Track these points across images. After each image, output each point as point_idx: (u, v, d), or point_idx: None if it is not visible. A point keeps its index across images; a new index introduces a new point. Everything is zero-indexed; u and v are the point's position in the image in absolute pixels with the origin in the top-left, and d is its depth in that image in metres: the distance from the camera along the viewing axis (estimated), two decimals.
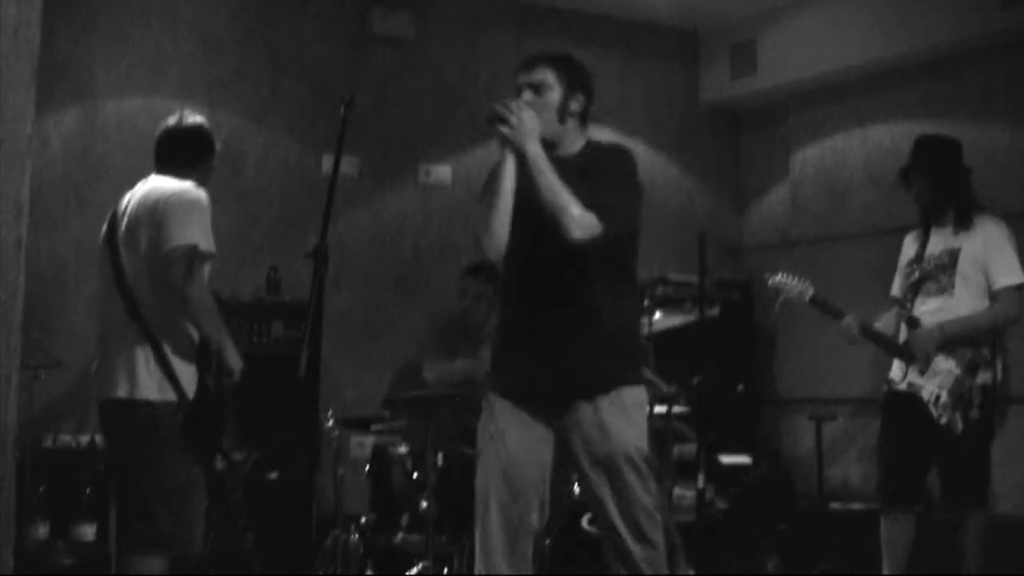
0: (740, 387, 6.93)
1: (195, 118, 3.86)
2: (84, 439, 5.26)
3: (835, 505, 6.24)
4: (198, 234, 3.52)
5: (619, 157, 3.27)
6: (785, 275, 4.52)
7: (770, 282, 4.52)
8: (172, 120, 3.84)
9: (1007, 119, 6.10)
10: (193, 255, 3.50)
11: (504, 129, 3.09)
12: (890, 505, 4.37)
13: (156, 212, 3.56)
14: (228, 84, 6.11)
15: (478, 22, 6.84)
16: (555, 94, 3.25)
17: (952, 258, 4.35)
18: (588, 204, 3.03)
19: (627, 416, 3.14)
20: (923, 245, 4.46)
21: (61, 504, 5.07)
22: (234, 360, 3.59)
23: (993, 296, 4.29)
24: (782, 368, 7.24)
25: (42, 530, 4.99)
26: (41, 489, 5.00)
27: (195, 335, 3.57)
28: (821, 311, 4.54)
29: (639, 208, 3.24)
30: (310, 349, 3.04)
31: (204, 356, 3.53)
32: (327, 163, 6.13)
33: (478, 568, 3.12)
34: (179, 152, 3.78)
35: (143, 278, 3.59)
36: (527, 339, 3.17)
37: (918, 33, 6.25)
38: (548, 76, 3.25)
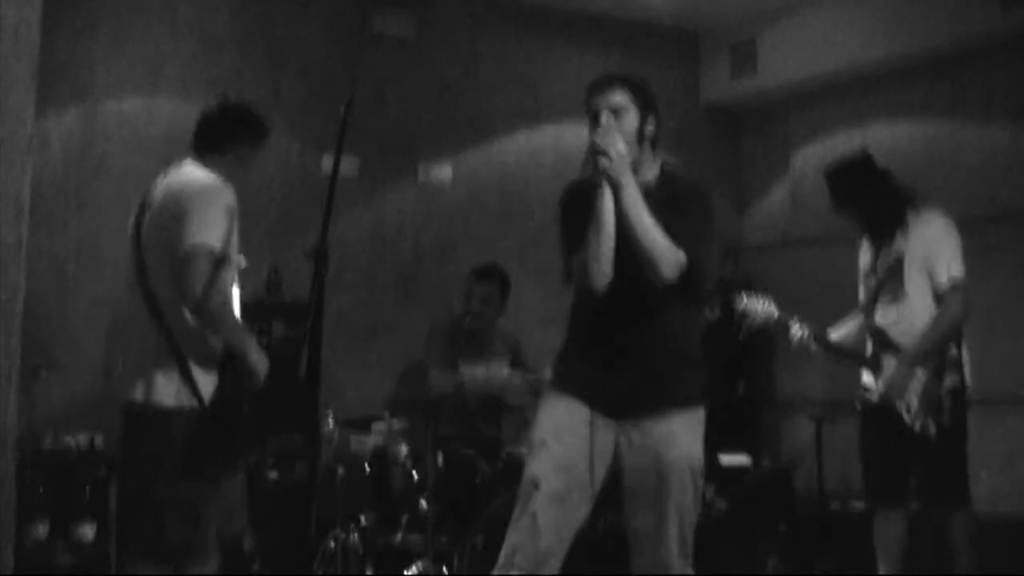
0: (740, 387, 6.93)
1: (236, 98, 3.66)
2: (84, 439, 5.26)
3: (835, 505, 6.24)
4: (210, 233, 3.30)
5: (698, 191, 3.28)
6: (749, 298, 4.50)
7: (737, 308, 4.50)
8: (213, 100, 3.64)
9: (1007, 119, 6.10)
10: (204, 256, 3.29)
11: (604, 162, 3.05)
12: (879, 506, 4.38)
13: (178, 207, 3.37)
14: (228, 84, 6.09)
15: (478, 22, 6.84)
16: (632, 117, 3.21)
17: (898, 264, 4.34)
18: (671, 236, 3.07)
19: (694, 433, 3.22)
20: (876, 254, 4.47)
21: (61, 504, 5.07)
22: (257, 363, 3.40)
23: (938, 298, 4.28)
24: (782, 369, 7.24)
25: (42, 530, 4.99)
26: (41, 489, 5.00)
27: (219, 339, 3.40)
28: (785, 332, 4.53)
29: (715, 243, 3.29)
30: (311, 349, 3.03)
31: (227, 361, 3.36)
32: (327, 163, 6.13)
33: (511, 552, 3.10)
34: (208, 133, 3.57)
35: (164, 277, 3.39)
36: (604, 353, 3.20)
37: (918, 33, 6.25)
38: (625, 98, 3.22)
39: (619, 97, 3.21)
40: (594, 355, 3.23)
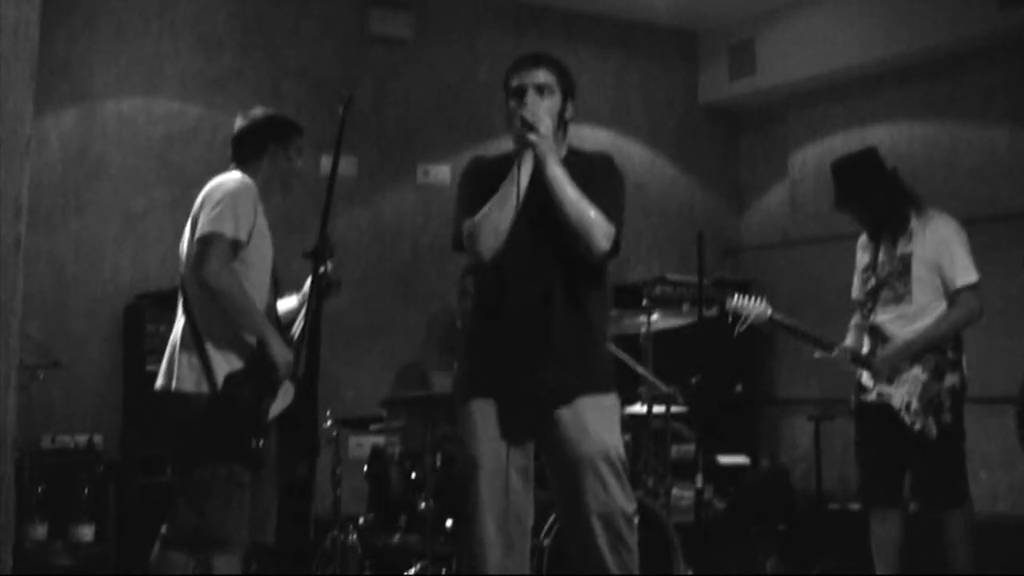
0: (738, 387, 6.93)
1: (254, 112, 3.86)
2: (83, 439, 5.26)
3: (833, 505, 6.24)
4: (225, 223, 3.42)
5: (609, 162, 3.28)
6: (742, 298, 4.50)
7: (728, 306, 4.50)
8: (240, 119, 3.86)
9: (1007, 119, 6.10)
10: (217, 242, 3.40)
11: (532, 136, 3.05)
12: (875, 506, 4.38)
13: (197, 206, 3.54)
14: (227, 84, 6.10)
15: (477, 22, 6.84)
16: (556, 99, 3.20)
17: (905, 264, 4.33)
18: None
19: (607, 418, 3.16)
20: (875, 252, 4.46)
21: (60, 504, 5.06)
22: (279, 355, 3.44)
23: (951, 298, 4.28)
24: (781, 368, 7.24)
25: (41, 530, 4.98)
26: (40, 489, 5.00)
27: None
28: (780, 330, 4.54)
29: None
30: (309, 349, 3.04)
31: (255, 351, 3.43)
32: (326, 163, 6.12)
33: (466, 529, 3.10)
34: (236, 149, 3.78)
35: (190, 266, 3.54)
36: (512, 342, 3.13)
37: (918, 33, 6.25)
38: (551, 79, 3.20)
39: (546, 77, 3.19)
40: (504, 343, 3.13)
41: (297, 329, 3.65)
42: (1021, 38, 5.94)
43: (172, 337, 3.56)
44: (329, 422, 4.72)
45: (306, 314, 3.53)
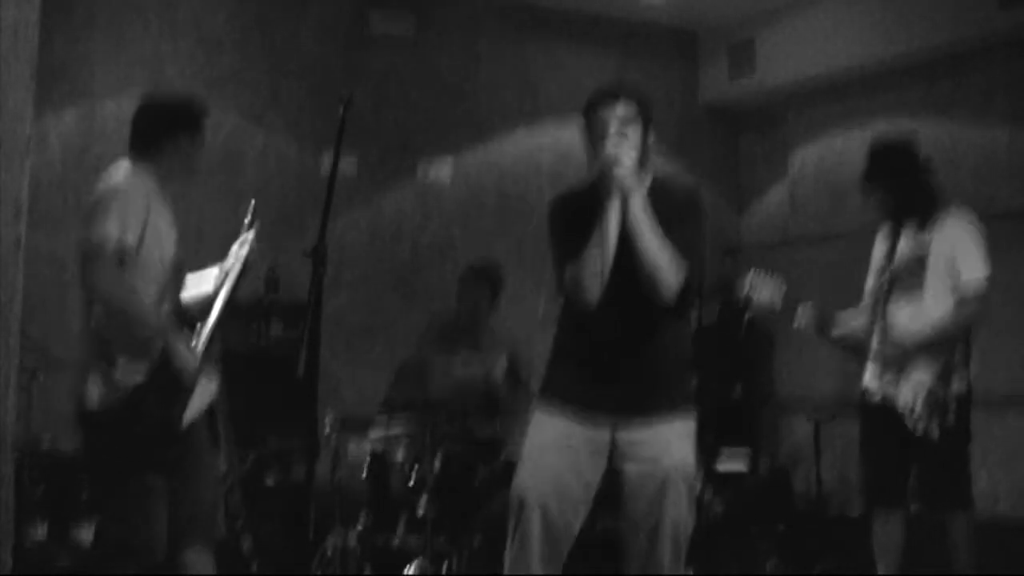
0: (738, 388, 6.93)
1: (153, 94, 3.58)
2: (74, 442, 5.25)
3: (833, 506, 6.24)
4: (109, 227, 3.21)
5: (692, 198, 3.28)
6: (756, 278, 4.45)
7: (743, 280, 4.46)
8: (142, 97, 3.55)
9: (1007, 119, 6.10)
10: (98, 253, 3.22)
11: (620, 172, 3.04)
12: (877, 506, 4.37)
13: (87, 209, 3.34)
14: (227, 84, 6.10)
15: (478, 22, 6.84)
16: (639, 130, 3.16)
17: (921, 260, 4.32)
18: (671, 248, 3.09)
19: (687, 440, 3.22)
20: (892, 246, 4.44)
21: (59, 505, 5.05)
22: (183, 360, 3.30)
23: (959, 295, 4.27)
24: (781, 368, 7.24)
25: (40, 531, 4.97)
26: (39, 490, 4.99)
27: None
28: (792, 308, 4.49)
29: (706, 251, 3.28)
30: (309, 349, 3.02)
31: (160, 358, 3.30)
32: (326, 163, 6.12)
33: (513, 570, 3.12)
34: (140, 132, 3.52)
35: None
36: (599, 368, 3.19)
37: (918, 33, 6.25)
38: (633, 111, 3.15)
39: (628, 109, 3.14)
40: (588, 370, 3.21)
41: (214, 313, 3.46)
42: (1021, 38, 5.94)
43: (80, 347, 3.41)
44: (329, 423, 4.71)
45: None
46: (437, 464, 4.51)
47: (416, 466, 4.60)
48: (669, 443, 3.16)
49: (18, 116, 2.07)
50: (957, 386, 4.21)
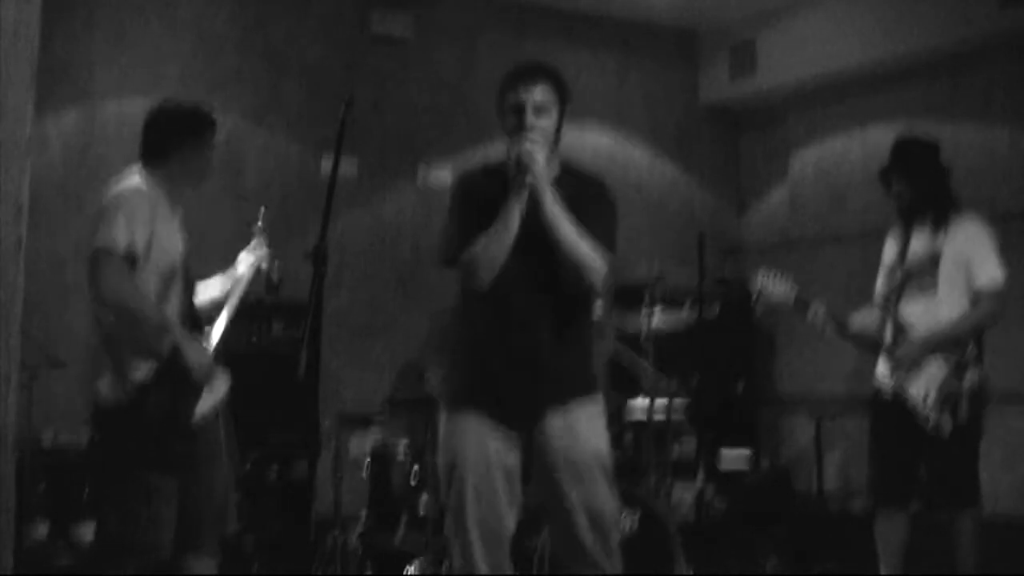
0: (739, 387, 6.94)
1: (165, 102, 3.61)
2: (83, 439, 5.26)
3: (834, 505, 6.24)
4: (117, 234, 3.26)
5: (601, 189, 3.26)
6: (769, 274, 4.47)
7: (753, 280, 4.47)
8: (155, 104, 3.61)
9: (1007, 119, 6.11)
10: (107, 259, 3.25)
11: (530, 177, 3.03)
12: (883, 504, 4.37)
13: (95, 212, 3.38)
14: (228, 84, 6.11)
15: (478, 22, 6.84)
16: (554, 115, 3.15)
17: (934, 259, 4.33)
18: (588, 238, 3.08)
19: (595, 423, 3.19)
20: (904, 245, 4.45)
21: (60, 504, 5.07)
22: (194, 360, 3.36)
23: (974, 297, 4.28)
24: (782, 367, 7.24)
25: (42, 530, 4.99)
26: (41, 489, 5.00)
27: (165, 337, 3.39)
28: (803, 311, 4.50)
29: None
30: (310, 349, 3.03)
31: (170, 359, 3.34)
32: (327, 163, 6.13)
33: None
34: (150, 140, 3.53)
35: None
36: (502, 354, 3.15)
37: (918, 33, 6.25)
38: (550, 97, 3.13)
39: (543, 95, 3.11)
40: (494, 355, 3.16)
41: (225, 314, 3.60)
42: (1021, 38, 5.94)
43: (91, 344, 3.48)
44: (330, 422, 4.72)
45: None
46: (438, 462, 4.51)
47: (417, 465, 4.61)
48: (574, 430, 3.11)
49: (18, 116, 2.07)
50: (971, 382, 4.22)
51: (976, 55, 6.20)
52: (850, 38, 6.59)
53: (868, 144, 6.81)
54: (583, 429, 3.14)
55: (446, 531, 3.17)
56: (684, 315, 5.02)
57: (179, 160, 3.52)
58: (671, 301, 4.99)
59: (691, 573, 4.41)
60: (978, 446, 4.29)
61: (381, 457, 4.84)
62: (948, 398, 4.21)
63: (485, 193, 3.15)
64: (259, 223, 3.88)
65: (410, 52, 6.60)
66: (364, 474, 4.83)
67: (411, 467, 4.63)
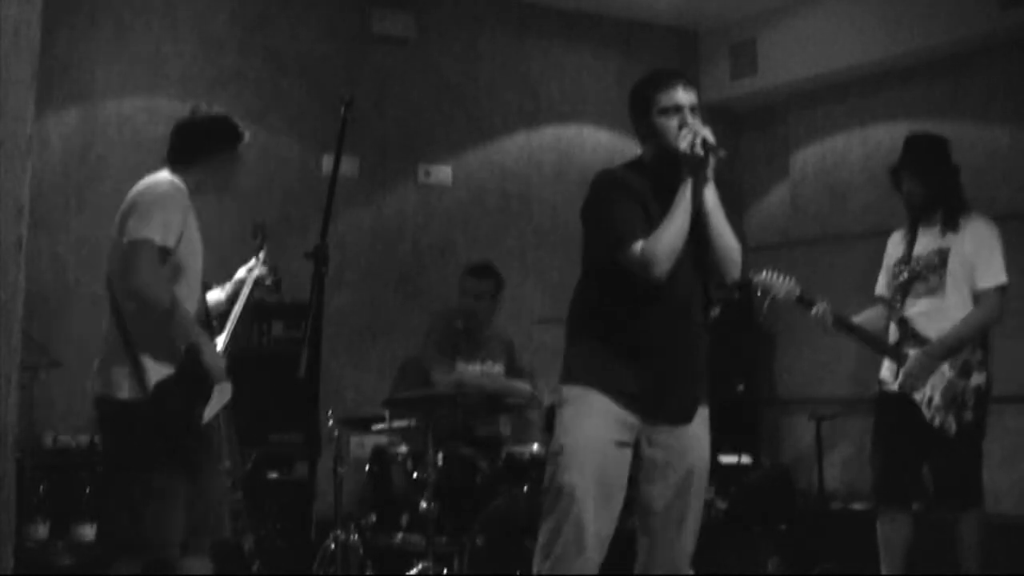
0: (740, 387, 6.93)
1: (200, 110, 3.70)
2: (84, 439, 5.26)
3: (835, 505, 6.24)
4: (153, 229, 3.33)
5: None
6: (770, 273, 4.46)
7: (755, 280, 4.47)
8: (187, 112, 3.71)
9: (1007, 119, 6.11)
10: (146, 249, 3.32)
11: (713, 160, 3.08)
12: (886, 505, 4.37)
13: (126, 208, 3.44)
14: (228, 84, 6.11)
15: (478, 22, 6.84)
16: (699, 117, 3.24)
17: (942, 259, 4.33)
18: None
19: (707, 432, 3.25)
20: (911, 244, 4.44)
21: (61, 504, 5.06)
22: (211, 361, 3.40)
23: (976, 298, 4.28)
24: (782, 368, 7.24)
25: (42, 530, 4.98)
26: (41, 489, 5.00)
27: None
28: (806, 309, 4.49)
29: None
30: (310, 349, 3.03)
31: (187, 358, 3.37)
32: (327, 163, 6.13)
33: (557, 568, 3.08)
34: (179, 145, 3.62)
35: (116, 272, 3.45)
36: (650, 352, 3.15)
37: (918, 33, 6.25)
38: (696, 100, 3.26)
39: (694, 98, 3.26)
40: (637, 353, 3.15)
41: (230, 324, 3.68)
42: (1021, 38, 5.94)
43: (104, 339, 3.49)
44: (330, 422, 4.72)
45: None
46: (439, 462, 4.51)
47: (418, 464, 4.60)
48: (697, 438, 3.18)
49: (19, 116, 2.07)
50: (976, 382, 4.22)
51: (977, 55, 6.20)
52: (850, 38, 6.58)
53: (869, 144, 6.81)
54: (704, 435, 3.21)
55: (546, 504, 3.13)
56: None
57: (206, 167, 3.61)
58: None
59: (691, 573, 4.41)
60: (981, 446, 4.29)
61: (382, 457, 4.84)
62: (953, 400, 4.21)
63: (635, 186, 3.18)
64: (258, 240, 4.00)
65: (411, 52, 6.60)
66: (365, 474, 4.83)
67: (412, 467, 4.63)
